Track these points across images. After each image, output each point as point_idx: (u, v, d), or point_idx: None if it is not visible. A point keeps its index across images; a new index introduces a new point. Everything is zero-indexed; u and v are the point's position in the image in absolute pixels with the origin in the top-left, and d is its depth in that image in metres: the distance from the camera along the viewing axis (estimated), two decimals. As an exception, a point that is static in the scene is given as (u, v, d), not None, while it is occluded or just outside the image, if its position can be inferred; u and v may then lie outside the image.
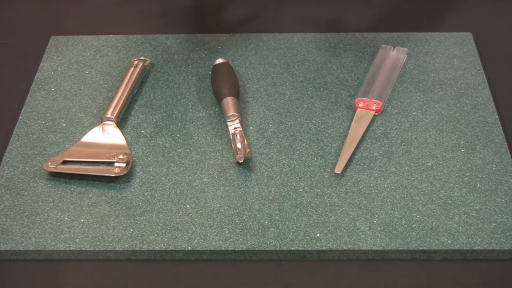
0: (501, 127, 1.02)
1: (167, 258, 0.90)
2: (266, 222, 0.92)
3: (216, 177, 0.97)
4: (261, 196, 0.95)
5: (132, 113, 1.06)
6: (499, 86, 1.09)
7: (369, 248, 0.89)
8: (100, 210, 0.94)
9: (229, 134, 1.01)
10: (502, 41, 1.17)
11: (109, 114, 1.03)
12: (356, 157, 0.99)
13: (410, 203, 0.93)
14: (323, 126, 1.03)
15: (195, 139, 1.02)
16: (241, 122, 1.02)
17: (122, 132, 1.02)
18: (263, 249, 0.89)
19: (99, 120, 1.04)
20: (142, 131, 1.03)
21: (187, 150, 1.00)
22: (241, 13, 1.22)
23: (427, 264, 0.89)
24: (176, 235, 0.91)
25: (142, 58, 1.12)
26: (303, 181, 0.96)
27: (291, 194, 0.95)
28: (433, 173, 0.97)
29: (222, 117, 1.04)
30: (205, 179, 0.97)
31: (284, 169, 0.98)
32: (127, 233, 0.91)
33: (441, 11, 1.23)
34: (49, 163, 0.97)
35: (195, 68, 1.12)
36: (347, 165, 0.98)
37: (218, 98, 1.05)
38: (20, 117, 1.05)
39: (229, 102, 1.03)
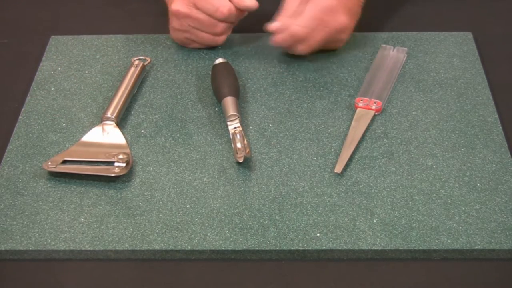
0: (501, 127, 1.02)
1: (167, 257, 0.90)
2: (266, 222, 0.92)
3: (216, 176, 0.97)
4: (261, 196, 0.95)
5: (132, 112, 1.06)
6: (499, 85, 1.09)
7: (369, 247, 0.89)
8: (100, 209, 0.94)
9: (229, 134, 1.01)
10: (502, 41, 1.17)
11: (109, 114, 1.03)
12: (356, 156, 0.99)
13: (410, 202, 0.93)
14: (323, 126, 1.03)
15: (195, 139, 1.02)
16: (241, 122, 1.02)
17: (122, 132, 1.02)
18: (263, 248, 0.89)
19: (99, 119, 1.04)
20: (142, 131, 1.03)
21: (187, 150, 1.00)
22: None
23: (427, 264, 0.89)
24: (176, 234, 0.91)
25: (142, 57, 1.12)
26: (303, 180, 0.96)
27: (291, 193, 0.95)
28: (433, 173, 0.97)
29: (222, 116, 1.04)
30: (205, 179, 0.97)
31: (284, 169, 0.98)
32: (127, 232, 0.91)
33: (441, 11, 1.23)
34: (49, 163, 0.97)
35: (195, 68, 1.12)
36: (347, 165, 0.98)
37: (218, 98, 1.05)
38: (20, 117, 1.05)
39: (229, 102, 1.03)
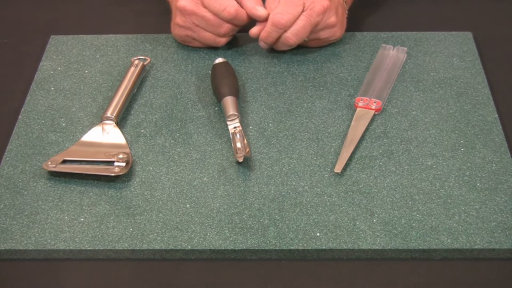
0: (500, 126, 1.02)
1: (167, 257, 0.90)
2: (266, 222, 0.92)
3: (216, 176, 0.97)
4: (261, 196, 0.95)
5: (132, 112, 1.06)
6: (498, 85, 1.09)
7: (369, 247, 0.89)
8: (100, 209, 0.94)
9: (229, 134, 1.01)
10: (502, 40, 1.17)
11: (109, 114, 1.03)
12: (356, 156, 0.99)
13: (410, 202, 0.93)
14: (322, 126, 1.03)
15: (195, 139, 1.02)
16: (241, 122, 1.02)
17: (122, 132, 1.02)
18: (263, 248, 0.89)
19: (99, 119, 1.04)
20: (142, 131, 1.03)
21: (187, 150, 1.00)
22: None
23: (427, 264, 0.89)
24: (176, 234, 0.91)
25: (142, 57, 1.12)
26: (303, 180, 0.96)
27: (291, 193, 0.95)
28: (433, 172, 0.97)
29: (222, 116, 1.04)
30: (205, 179, 0.97)
31: (284, 169, 0.98)
32: (127, 232, 0.91)
33: (441, 11, 1.23)
34: (49, 163, 0.97)
35: (195, 67, 1.12)
36: (347, 165, 0.98)
37: (218, 98, 1.05)
38: (20, 117, 1.05)
39: (228, 102, 1.03)
